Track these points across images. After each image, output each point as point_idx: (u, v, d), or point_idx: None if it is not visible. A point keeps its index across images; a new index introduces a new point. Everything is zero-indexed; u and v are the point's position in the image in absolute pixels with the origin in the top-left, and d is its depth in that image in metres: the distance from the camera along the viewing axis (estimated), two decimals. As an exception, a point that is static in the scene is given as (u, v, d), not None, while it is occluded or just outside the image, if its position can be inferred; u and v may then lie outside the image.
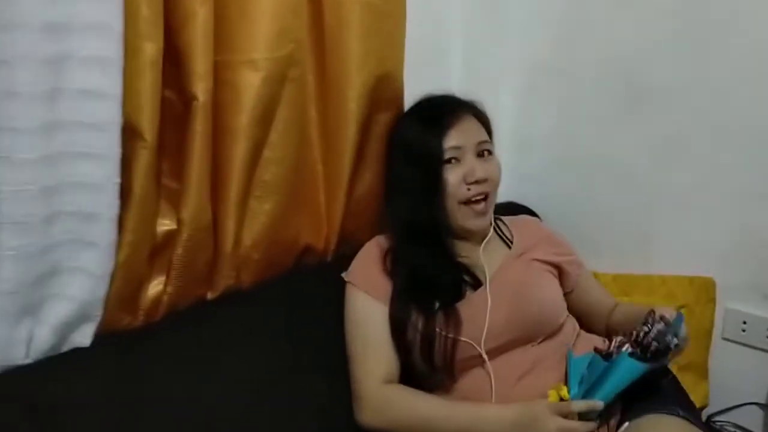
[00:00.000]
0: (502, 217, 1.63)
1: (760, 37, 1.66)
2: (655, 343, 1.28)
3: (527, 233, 1.60)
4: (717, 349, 1.84)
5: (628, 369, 1.29)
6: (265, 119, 1.42)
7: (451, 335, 1.40)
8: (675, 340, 1.28)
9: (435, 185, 1.45)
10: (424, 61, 1.72)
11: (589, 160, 1.95)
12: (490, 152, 1.51)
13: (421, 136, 1.47)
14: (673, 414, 1.34)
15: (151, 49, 1.22)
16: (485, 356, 1.41)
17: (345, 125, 1.57)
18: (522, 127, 1.70)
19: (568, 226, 1.81)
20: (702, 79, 1.75)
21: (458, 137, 1.46)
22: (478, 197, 1.47)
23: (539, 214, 1.96)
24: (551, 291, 1.53)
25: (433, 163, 1.44)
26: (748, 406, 1.81)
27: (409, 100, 1.63)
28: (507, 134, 1.86)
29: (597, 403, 1.29)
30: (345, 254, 1.62)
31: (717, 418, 1.83)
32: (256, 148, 1.43)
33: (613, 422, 1.39)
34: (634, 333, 1.32)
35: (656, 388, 1.38)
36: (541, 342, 1.46)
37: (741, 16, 1.68)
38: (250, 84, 1.37)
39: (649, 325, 1.30)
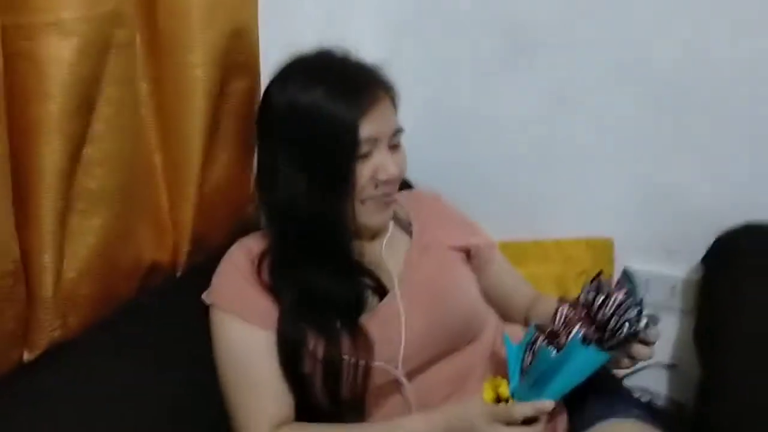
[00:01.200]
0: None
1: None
2: (615, 320, 1.02)
3: (426, 213, 1.33)
4: (618, 312, 1.70)
5: (583, 361, 1.04)
6: (83, 105, 1.00)
7: (362, 361, 1.11)
8: (641, 318, 1.03)
9: (340, 180, 1.12)
10: (272, 10, 1.35)
11: (468, 117, 1.71)
12: (399, 142, 1.20)
13: (328, 115, 1.10)
14: (630, 417, 1.15)
15: None
16: (403, 380, 1.14)
17: (189, 100, 1.18)
18: (393, 79, 1.41)
19: (447, 192, 1.58)
20: (593, 23, 1.55)
21: (376, 126, 1.13)
22: (386, 196, 1.18)
23: (412, 183, 1.70)
24: (470, 285, 1.28)
25: (345, 156, 1.11)
26: (652, 368, 1.70)
27: (265, 62, 1.27)
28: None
29: (545, 405, 1.04)
30: (201, 266, 1.27)
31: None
32: (73, 146, 1.00)
33: (560, 430, 1.18)
34: (583, 302, 1.06)
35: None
36: (465, 347, 1.22)
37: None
38: (59, 56, 0.94)
39: (600, 293, 1.04)
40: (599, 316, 1.03)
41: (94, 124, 1.03)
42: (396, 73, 1.22)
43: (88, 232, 1.08)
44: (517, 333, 1.27)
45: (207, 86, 1.18)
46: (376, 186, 1.15)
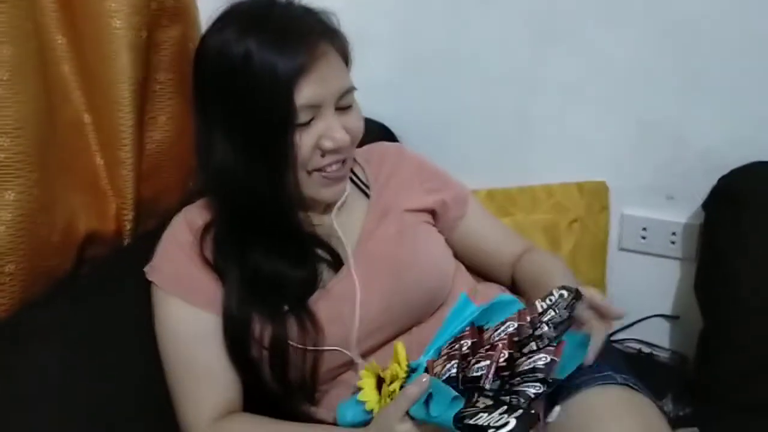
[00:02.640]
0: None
1: None
2: (518, 380, 0.87)
3: (386, 171, 1.20)
4: (614, 261, 1.59)
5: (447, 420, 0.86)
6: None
7: (310, 347, 1.01)
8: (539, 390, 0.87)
9: (276, 151, 0.98)
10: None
11: (443, 58, 1.55)
12: (351, 102, 1.04)
13: (261, 70, 0.94)
14: (610, 383, 1.03)
15: None
16: (358, 360, 1.05)
17: (112, 54, 1.06)
18: (359, 24, 1.25)
19: (428, 140, 1.48)
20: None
21: (317, 90, 0.97)
22: (336, 166, 1.03)
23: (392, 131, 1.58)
24: (434, 252, 1.15)
25: (276, 124, 0.96)
26: (652, 319, 1.60)
27: (203, 7, 1.13)
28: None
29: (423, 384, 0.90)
30: (149, 232, 1.17)
31: (619, 336, 1.60)
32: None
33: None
34: (531, 329, 0.92)
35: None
36: (429, 318, 1.11)
37: None
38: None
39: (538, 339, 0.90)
40: (517, 364, 0.89)
41: (-9, 88, 0.91)
42: (364, 19, 1.08)
43: (1, 207, 0.97)
44: (490, 294, 1.17)
45: (130, 39, 1.06)
46: (323, 155, 1.01)
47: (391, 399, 0.92)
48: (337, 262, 1.06)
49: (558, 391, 1.05)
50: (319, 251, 1.06)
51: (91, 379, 1.00)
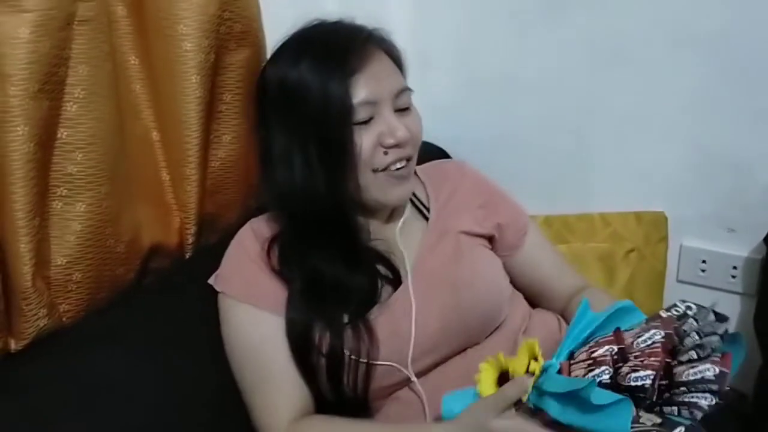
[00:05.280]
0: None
1: None
2: (682, 392, 0.83)
3: (447, 190, 1.21)
4: (672, 293, 1.55)
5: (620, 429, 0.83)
6: (50, 85, 0.94)
7: (363, 360, 1.02)
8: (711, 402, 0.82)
9: (340, 152, 1.02)
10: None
11: (504, 81, 1.56)
12: (408, 104, 1.09)
13: (315, 86, 1.01)
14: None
15: None
16: (414, 378, 1.06)
17: (182, 75, 1.10)
18: (420, 46, 1.28)
19: (486, 164, 1.44)
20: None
21: (371, 88, 1.03)
22: (400, 164, 1.06)
23: (449, 153, 1.59)
24: (491, 275, 1.16)
25: (338, 125, 1.01)
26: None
27: (269, 31, 1.17)
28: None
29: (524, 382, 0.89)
30: (210, 246, 1.22)
31: (675, 370, 1.56)
32: (45, 130, 0.95)
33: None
34: (677, 342, 0.86)
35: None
36: (485, 341, 1.11)
37: None
38: (14, 34, 0.87)
39: (702, 349, 0.84)
40: (677, 373, 0.85)
41: (67, 105, 0.96)
42: (424, 37, 1.11)
43: (72, 218, 1.03)
44: (549, 323, 1.17)
45: (199, 61, 1.10)
46: (386, 153, 1.04)
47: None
48: (396, 279, 1.08)
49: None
50: (379, 267, 1.08)
51: (155, 383, 1.03)
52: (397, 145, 1.04)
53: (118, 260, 1.13)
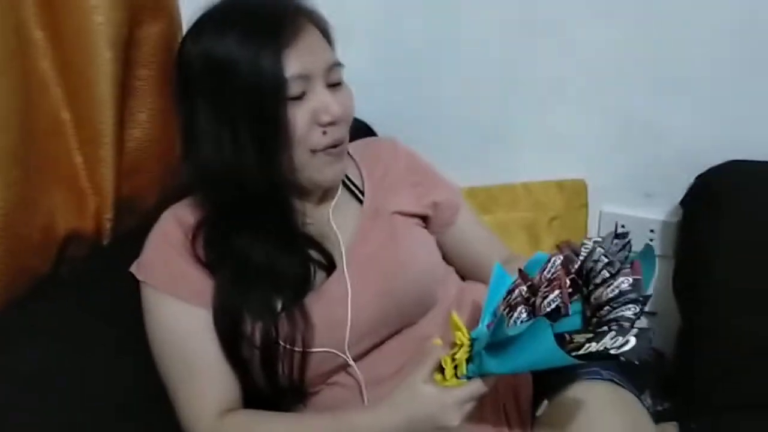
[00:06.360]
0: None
1: None
2: (606, 310, 0.85)
3: (381, 169, 1.19)
4: (593, 259, 1.59)
5: (544, 351, 0.85)
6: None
7: (298, 348, 1.00)
8: (630, 329, 0.82)
9: (274, 128, 0.97)
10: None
11: (427, 54, 1.54)
12: (340, 79, 1.04)
13: (245, 59, 0.95)
14: (596, 378, 1.04)
15: None
16: (351, 362, 1.04)
17: (93, 50, 1.04)
18: (338, 21, 1.25)
19: (409, 138, 1.42)
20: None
21: (304, 61, 0.97)
22: (336, 143, 1.03)
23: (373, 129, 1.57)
24: (427, 257, 1.15)
25: (271, 100, 0.96)
26: (630, 316, 1.60)
27: (183, 2, 1.12)
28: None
29: (479, 388, 0.91)
30: (129, 231, 1.17)
31: (597, 334, 1.61)
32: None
33: (523, 397, 1.09)
34: (582, 264, 0.89)
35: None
36: (420, 319, 1.11)
37: None
38: None
39: (610, 266, 0.86)
40: (593, 295, 0.87)
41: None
42: (343, 15, 1.08)
43: (-23, 205, 0.96)
44: (482, 293, 1.17)
45: (111, 35, 1.04)
46: (325, 133, 1.01)
47: (457, 369, 0.91)
48: (329, 264, 1.05)
49: (545, 385, 1.07)
50: (312, 251, 1.05)
51: (75, 377, 0.99)
52: (332, 123, 1.00)
53: (33, 249, 1.07)
